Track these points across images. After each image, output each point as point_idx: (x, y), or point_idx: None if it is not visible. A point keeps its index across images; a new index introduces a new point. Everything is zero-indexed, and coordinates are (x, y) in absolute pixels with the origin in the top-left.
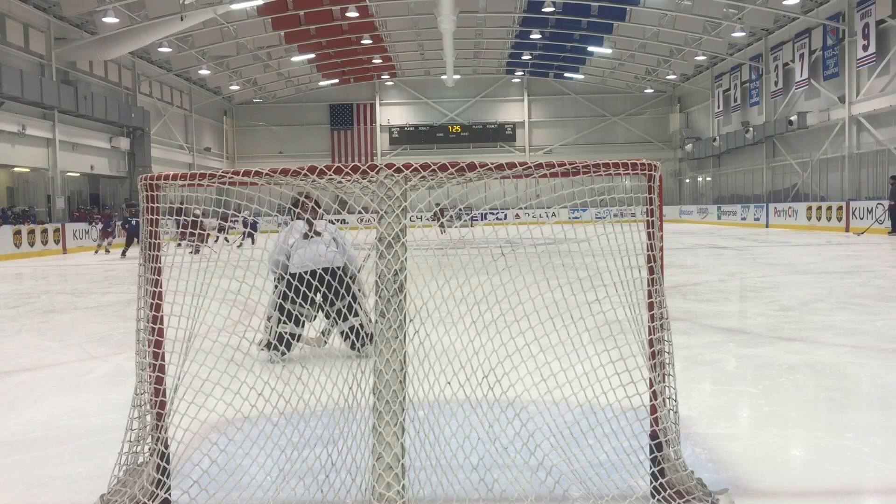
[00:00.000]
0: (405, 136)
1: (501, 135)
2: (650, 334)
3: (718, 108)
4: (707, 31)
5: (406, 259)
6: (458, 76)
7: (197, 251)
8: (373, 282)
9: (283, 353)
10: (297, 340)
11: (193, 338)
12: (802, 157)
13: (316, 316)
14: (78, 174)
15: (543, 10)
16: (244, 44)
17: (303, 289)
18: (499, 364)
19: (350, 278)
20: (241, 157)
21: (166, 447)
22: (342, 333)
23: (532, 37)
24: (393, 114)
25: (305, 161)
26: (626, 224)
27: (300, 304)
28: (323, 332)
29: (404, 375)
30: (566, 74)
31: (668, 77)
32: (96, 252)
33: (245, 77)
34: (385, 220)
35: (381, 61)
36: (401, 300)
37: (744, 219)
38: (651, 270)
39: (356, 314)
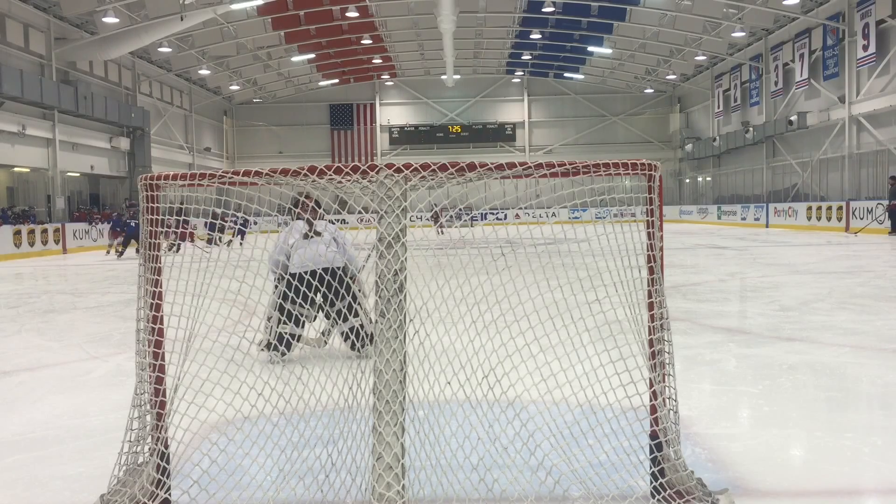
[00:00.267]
0: (405, 136)
1: (501, 135)
2: (650, 334)
3: (718, 108)
4: (707, 31)
5: (406, 259)
6: (458, 76)
7: (177, 249)
8: (373, 282)
9: (283, 354)
10: (297, 340)
11: (193, 338)
12: (802, 157)
13: (316, 316)
14: (78, 174)
15: (543, 10)
16: (244, 44)
17: (303, 289)
18: (499, 364)
19: (350, 278)
20: (241, 157)
21: (166, 447)
22: (342, 334)
23: (532, 37)
24: (393, 114)
25: (305, 161)
26: (626, 224)
27: (300, 305)
28: (323, 333)
29: (404, 375)
30: (566, 74)
31: (668, 77)
32: (108, 252)
33: (245, 77)
34: (385, 220)
35: (381, 61)
36: (401, 300)
37: (744, 219)
38: (651, 270)
39: (356, 314)
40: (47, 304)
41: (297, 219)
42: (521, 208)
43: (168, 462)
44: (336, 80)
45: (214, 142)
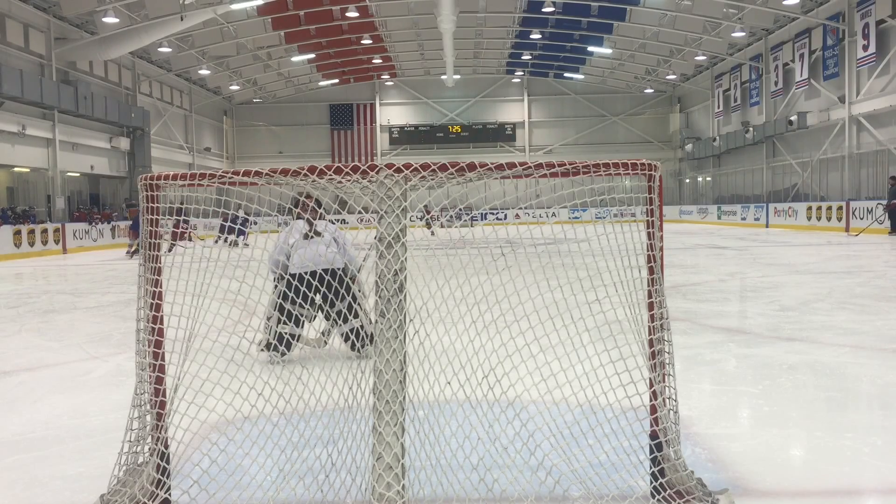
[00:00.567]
0: (405, 136)
1: (501, 135)
2: (650, 334)
3: (718, 108)
4: (707, 31)
5: (406, 259)
6: (458, 76)
7: (170, 249)
8: (373, 282)
9: (283, 354)
10: (297, 341)
11: (193, 338)
12: (802, 157)
13: (315, 316)
14: (78, 174)
15: (543, 10)
16: (244, 44)
17: (303, 289)
18: (499, 364)
19: (350, 279)
20: (241, 157)
21: (166, 447)
22: (343, 335)
23: (532, 37)
24: (393, 114)
25: (305, 161)
26: (626, 224)
27: (300, 305)
28: (323, 333)
29: (404, 375)
30: (566, 74)
31: (668, 77)
32: (128, 251)
33: (245, 77)
34: (385, 220)
35: (381, 61)
36: (401, 300)
37: (744, 219)
38: (651, 270)
39: (356, 315)
40: (47, 304)
41: (298, 219)
42: (521, 208)
43: (168, 462)
44: (336, 80)
45: (214, 142)
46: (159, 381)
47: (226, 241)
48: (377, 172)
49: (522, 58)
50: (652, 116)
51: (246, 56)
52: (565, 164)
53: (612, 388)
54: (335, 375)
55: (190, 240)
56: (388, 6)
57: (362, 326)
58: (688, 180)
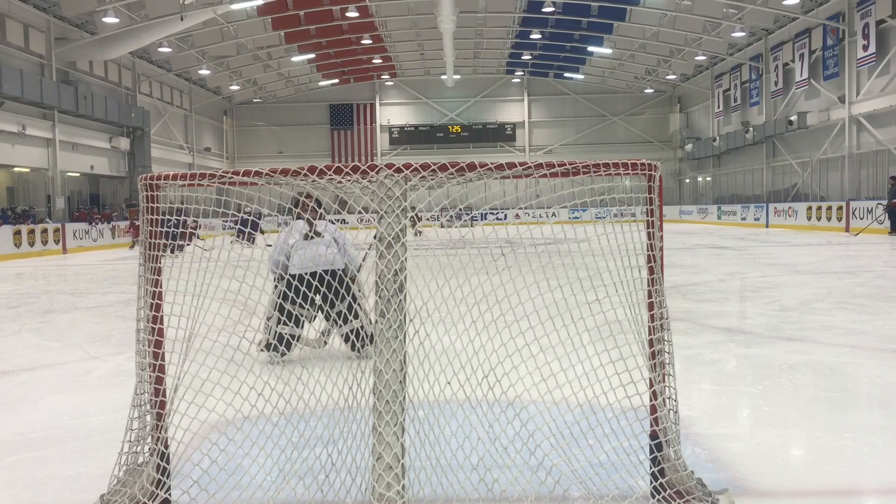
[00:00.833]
0: (405, 136)
1: (501, 135)
2: (650, 334)
3: (718, 108)
4: (707, 31)
5: (406, 259)
6: (458, 76)
7: (181, 249)
8: (373, 282)
9: (283, 354)
10: (297, 341)
11: (193, 338)
12: (802, 157)
13: (315, 316)
14: (78, 174)
15: (543, 10)
16: (244, 44)
17: (303, 289)
18: (499, 364)
19: (350, 279)
20: (241, 157)
21: (166, 447)
22: (343, 336)
23: (532, 37)
24: (393, 114)
25: (305, 161)
26: (626, 224)
27: (300, 305)
28: (323, 333)
29: (404, 375)
30: (566, 74)
31: (668, 77)
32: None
33: (245, 77)
34: (385, 220)
35: (381, 61)
36: (401, 300)
37: (744, 219)
38: (651, 270)
39: (356, 316)
40: (47, 304)
41: (298, 219)
42: (521, 208)
43: (168, 462)
44: (336, 80)
45: (214, 142)
46: (159, 381)
47: (244, 238)
48: (377, 172)
49: (522, 58)
50: (652, 116)
51: (246, 56)
52: (565, 164)
53: (612, 388)
54: (335, 375)
55: (200, 239)
56: (388, 6)
57: (362, 327)
58: (688, 180)
